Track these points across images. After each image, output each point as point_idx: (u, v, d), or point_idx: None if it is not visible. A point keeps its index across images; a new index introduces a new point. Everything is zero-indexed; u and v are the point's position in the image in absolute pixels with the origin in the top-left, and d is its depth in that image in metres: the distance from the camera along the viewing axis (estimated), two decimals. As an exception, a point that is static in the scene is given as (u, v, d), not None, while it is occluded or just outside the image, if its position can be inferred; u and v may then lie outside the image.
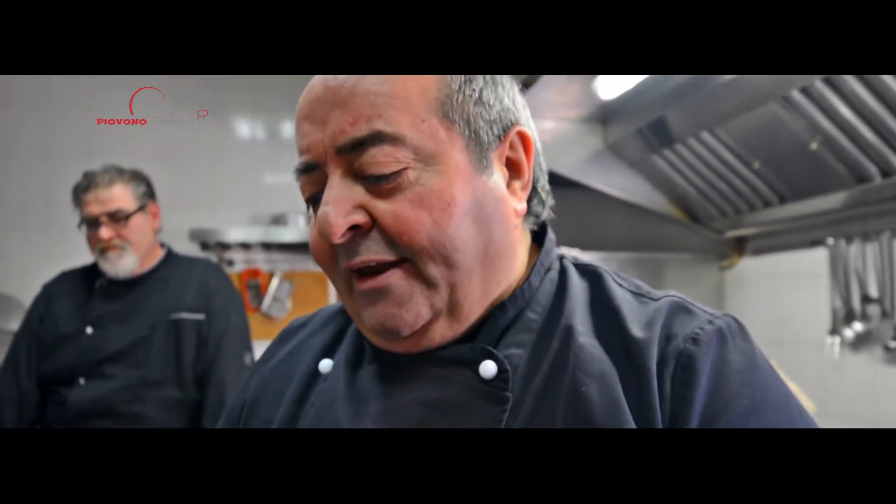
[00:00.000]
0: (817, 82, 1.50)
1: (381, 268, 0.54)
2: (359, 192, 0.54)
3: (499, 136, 0.57)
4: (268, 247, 2.96)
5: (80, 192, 1.63)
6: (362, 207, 0.53)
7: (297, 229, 2.88)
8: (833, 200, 1.79)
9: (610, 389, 0.52)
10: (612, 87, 1.88)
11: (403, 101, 0.53)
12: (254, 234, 2.84)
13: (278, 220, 2.92)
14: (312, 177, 0.56)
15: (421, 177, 0.53)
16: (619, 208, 2.39)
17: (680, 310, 0.56)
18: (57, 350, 1.65)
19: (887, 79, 1.40)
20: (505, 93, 0.59)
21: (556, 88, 1.91)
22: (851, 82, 1.45)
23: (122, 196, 1.63)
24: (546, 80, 1.78)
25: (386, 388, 0.58)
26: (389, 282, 0.54)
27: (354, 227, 0.53)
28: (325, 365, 0.64)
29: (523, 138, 0.59)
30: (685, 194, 2.21)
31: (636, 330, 0.55)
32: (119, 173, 1.65)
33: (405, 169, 0.53)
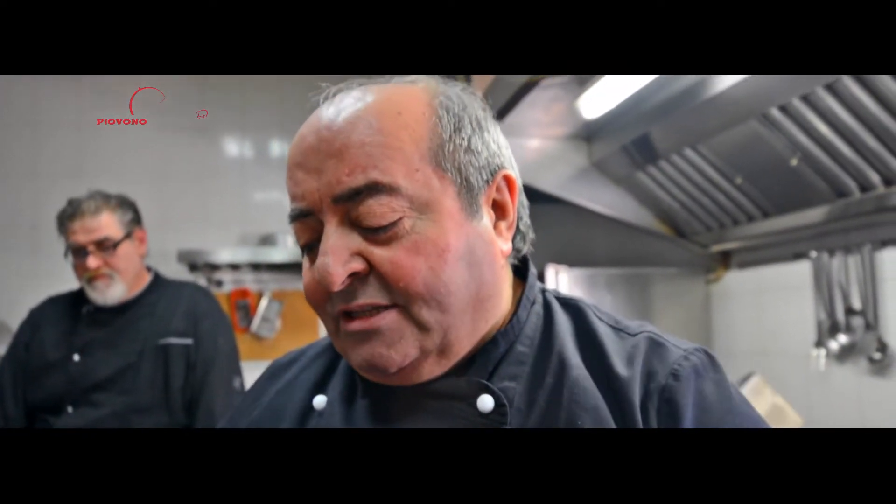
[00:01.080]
0: (794, 100, 1.53)
1: (374, 311, 0.55)
2: (356, 240, 0.55)
3: (487, 181, 0.59)
4: (257, 267, 2.95)
5: (66, 219, 1.61)
6: (359, 255, 0.55)
7: (285, 249, 2.88)
8: (814, 214, 1.81)
9: (604, 423, 0.55)
10: (595, 105, 1.90)
11: (398, 151, 0.55)
12: (242, 255, 2.83)
13: (267, 241, 2.92)
14: (307, 223, 0.57)
15: (416, 225, 0.54)
16: (606, 224, 2.42)
17: (656, 346, 0.59)
18: (44, 377, 1.63)
19: (862, 96, 1.43)
20: (491, 138, 0.61)
21: (542, 107, 1.93)
22: (828, 99, 1.48)
23: (109, 224, 1.61)
24: (531, 99, 1.81)
25: (383, 423, 0.59)
26: (381, 324, 0.55)
27: (352, 275, 0.54)
28: (320, 401, 0.64)
29: (508, 181, 0.61)
30: (670, 210, 2.23)
31: (620, 367, 0.57)
32: (105, 200, 1.64)
33: (401, 218, 0.54)
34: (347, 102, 0.57)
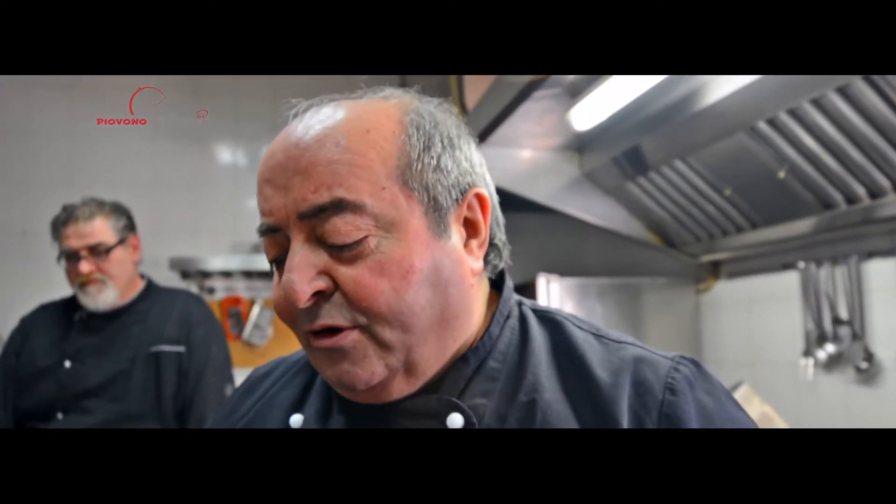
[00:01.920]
0: (781, 114, 1.55)
1: (337, 330, 0.55)
2: (321, 258, 0.55)
3: (457, 200, 0.59)
4: (248, 275, 2.95)
5: (60, 225, 1.62)
6: (325, 273, 0.55)
7: (278, 257, 2.88)
8: (802, 226, 1.84)
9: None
10: (587, 117, 1.93)
11: (364, 169, 0.54)
12: (234, 263, 2.83)
13: (259, 248, 2.92)
14: (275, 239, 0.57)
15: (381, 244, 0.54)
16: (597, 234, 2.43)
17: (642, 359, 0.59)
18: (34, 384, 1.62)
19: (847, 110, 1.46)
20: (462, 155, 0.60)
21: (534, 118, 1.95)
22: (813, 114, 1.51)
23: (102, 230, 1.62)
24: (523, 110, 1.83)
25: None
26: (343, 343, 0.55)
27: (318, 293, 0.55)
28: (296, 420, 0.64)
29: (480, 199, 0.60)
30: (661, 220, 2.26)
31: (603, 376, 0.57)
32: (99, 206, 1.64)
33: (366, 237, 0.54)
34: (316, 119, 0.57)
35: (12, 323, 1.79)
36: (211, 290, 2.94)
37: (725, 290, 2.35)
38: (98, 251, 1.61)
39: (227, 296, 2.95)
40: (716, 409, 0.57)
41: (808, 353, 1.95)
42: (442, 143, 0.59)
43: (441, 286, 0.56)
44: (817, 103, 1.48)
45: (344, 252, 0.54)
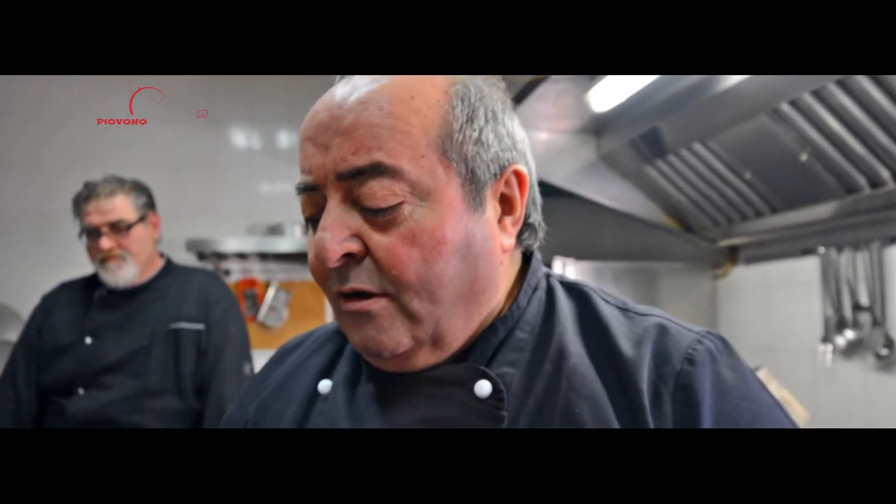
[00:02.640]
0: (805, 95, 1.53)
1: (366, 295, 0.55)
2: (355, 220, 0.55)
3: (495, 175, 0.58)
4: (264, 257, 2.96)
5: (81, 201, 1.63)
6: (357, 236, 0.55)
7: (293, 239, 2.89)
8: (823, 210, 1.81)
9: (601, 410, 0.54)
10: (605, 99, 1.91)
11: (405, 135, 0.54)
12: (250, 244, 2.85)
13: (275, 230, 2.93)
14: (312, 197, 0.58)
15: (415, 212, 0.54)
16: (613, 218, 2.42)
17: (667, 330, 0.58)
18: (56, 360, 1.64)
19: (874, 91, 1.43)
20: (505, 130, 0.60)
21: (550, 100, 1.94)
22: (839, 95, 1.48)
23: (123, 206, 1.63)
24: (540, 92, 1.81)
25: (384, 407, 0.60)
26: (371, 308, 0.55)
27: (348, 255, 0.55)
28: (325, 385, 0.65)
29: (519, 176, 0.60)
30: (678, 204, 2.23)
31: (626, 347, 0.57)
32: (120, 184, 1.66)
33: (401, 203, 0.54)
34: (362, 82, 0.57)
35: (32, 303, 1.81)
36: (227, 272, 2.96)
37: (743, 276, 2.33)
38: (119, 228, 1.63)
39: (242, 278, 2.97)
40: (735, 386, 0.56)
41: (826, 339, 1.93)
42: (485, 116, 0.58)
43: (471, 259, 0.56)
44: (843, 84, 1.46)
45: (378, 217, 0.54)
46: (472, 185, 0.57)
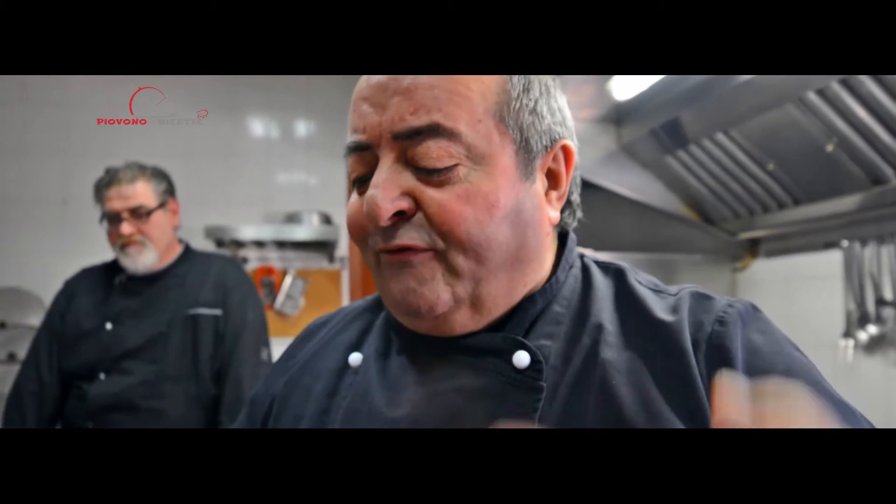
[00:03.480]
0: (833, 84, 1.50)
1: (411, 251, 0.56)
2: (407, 179, 0.55)
3: (546, 147, 0.60)
4: (281, 245, 2.98)
5: (103, 187, 1.65)
6: (409, 194, 0.55)
7: (310, 227, 2.90)
8: (848, 202, 1.78)
9: (638, 383, 0.54)
10: (626, 87, 1.88)
11: (464, 99, 0.55)
12: (267, 232, 2.86)
13: (292, 219, 2.94)
14: (363, 157, 0.58)
15: (470, 174, 0.55)
16: (632, 208, 2.39)
17: (700, 297, 0.59)
18: (78, 346, 1.67)
19: (904, 81, 1.40)
20: (556, 105, 0.61)
21: (571, 89, 1.92)
22: (868, 84, 1.45)
23: (143, 192, 1.65)
24: (561, 81, 1.79)
25: (420, 377, 0.60)
26: (415, 258, 0.55)
27: (399, 213, 0.55)
28: (355, 358, 0.65)
29: (566, 152, 0.61)
30: (698, 195, 2.21)
31: (663, 315, 0.57)
32: (141, 170, 1.67)
33: (457, 165, 0.54)
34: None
35: (52, 288, 1.84)
36: (244, 260, 2.97)
37: (764, 269, 2.30)
38: (139, 213, 1.64)
39: (259, 265, 2.99)
40: (766, 343, 0.56)
41: (848, 334, 1.90)
42: (540, 88, 0.59)
43: (521, 227, 0.57)
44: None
45: (433, 177, 0.55)
46: (526, 153, 0.58)
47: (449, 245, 0.55)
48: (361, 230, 0.58)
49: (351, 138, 0.59)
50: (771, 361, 0.55)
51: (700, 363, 0.54)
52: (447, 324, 0.58)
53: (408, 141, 0.55)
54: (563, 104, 0.63)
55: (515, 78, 0.58)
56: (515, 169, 0.57)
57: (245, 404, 0.76)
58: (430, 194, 0.55)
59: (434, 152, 0.54)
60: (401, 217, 0.55)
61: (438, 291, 0.56)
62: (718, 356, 0.54)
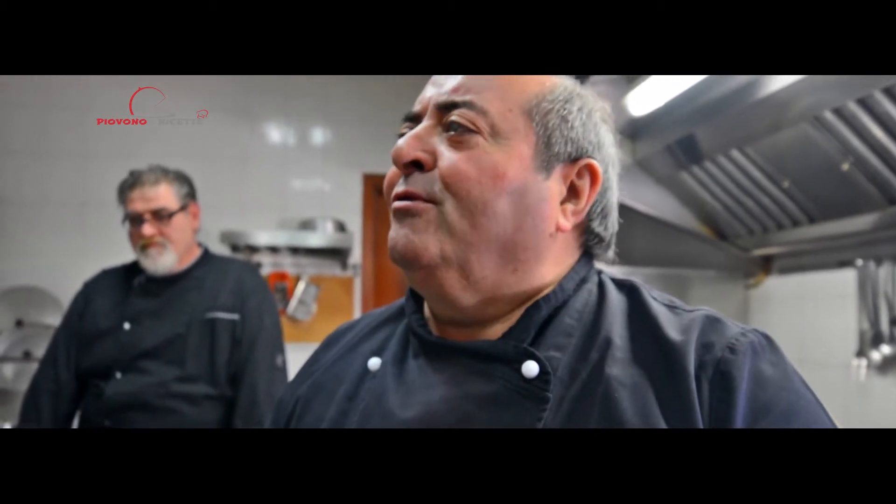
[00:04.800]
0: (850, 103, 1.50)
1: (415, 199, 0.61)
2: (435, 140, 0.62)
3: (570, 156, 0.63)
4: (295, 251, 3.00)
5: (126, 189, 1.67)
6: (431, 152, 0.61)
7: (324, 234, 2.93)
8: (863, 222, 1.78)
9: (642, 398, 0.55)
10: (642, 103, 1.90)
11: (501, 89, 0.62)
12: (282, 238, 2.89)
13: (306, 225, 2.97)
14: (412, 127, 0.64)
15: (488, 146, 0.60)
16: (646, 223, 2.40)
17: (714, 321, 0.59)
18: (96, 345, 1.68)
19: (922, 102, 1.40)
20: (594, 131, 0.65)
21: (607, 104, 1.93)
22: (885, 103, 1.45)
23: (166, 195, 1.67)
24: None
25: (431, 380, 0.62)
26: (413, 207, 0.60)
27: (418, 165, 0.61)
28: (374, 363, 0.67)
29: (592, 171, 0.64)
30: (713, 211, 2.21)
31: (673, 334, 0.58)
32: (164, 173, 1.70)
33: (478, 134, 0.60)
34: None
35: (70, 289, 1.86)
36: (258, 265, 3.00)
37: (777, 286, 2.30)
38: (161, 215, 1.66)
39: (273, 271, 3.01)
40: (774, 377, 0.56)
41: (861, 353, 1.90)
42: (580, 107, 0.64)
43: (520, 210, 0.60)
44: (889, 92, 1.43)
45: (454, 134, 0.61)
46: (546, 150, 0.62)
47: (448, 199, 0.59)
48: (389, 188, 0.64)
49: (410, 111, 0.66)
50: (776, 396, 0.55)
51: (703, 387, 0.55)
52: (436, 280, 0.61)
53: (446, 112, 0.62)
54: (608, 139, 0.66)
55: (559, 90, 0.63)
56: (531, 158, 0.61)
57: (259, 408, 0.78)
58: (447, 154, 0.61)
59: (463, 115, 0.61)
60: (418, 169, 0.61)
61: (428, 243, 0.60)
62: (723, 383, 0.54)
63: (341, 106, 3.13)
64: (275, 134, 3.13)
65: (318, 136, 3.14)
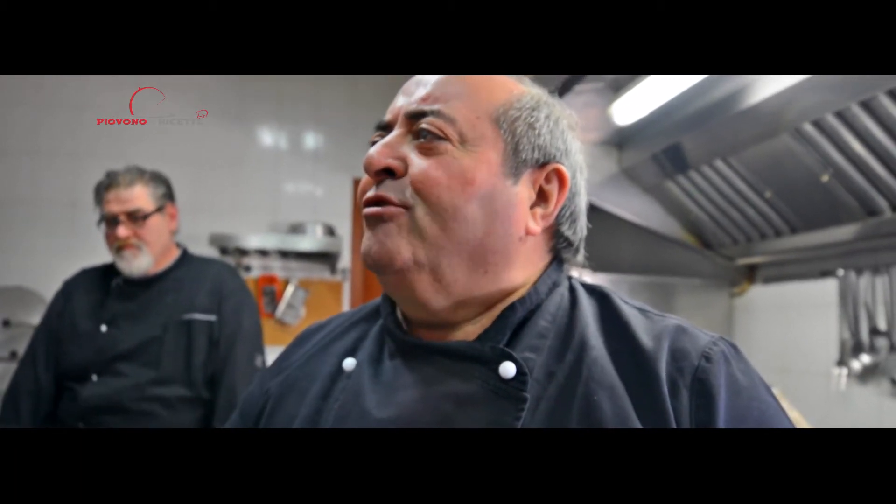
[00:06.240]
0: (829, 116, 1.52)
1: (387, 205, 0.62)
2: (405, 148, 0.63)
3: (538, 161, 0.65)
4: (285, 255, 3.01)
5: (102, 190, 1.66)
6: (401, 159, 0.63)
7: (314, 239, 2.93)
8: (844, 232, 1.80)
9: (619, 400, 0.57)
10: (628, 112, 1.91)
11: (469, 99, 0.64)
12: (271, 242, 2.90)
13: (296, 229, 2.97)
14: (383, 136, 0.66)
15: (456, 152, 0.62)
16: (632, 232, 2.41)
17: (683, 330, 0.61)
18: (73, 346, 1.67)
19: (898, 114, 1.42)
20: (560, 138, 0.67)
21: (574, 112, 1.94)
22: (862, 116, 1.47)
23: (141, 196, 1.65)
24: (564, 103, 1.82)
25: (409, 380, 0.63)
26: (384, 212, 0.62)
27: (389, 172, 0.62)
28: (349, 363, 0.68)
29: (560, 176, 0.65)
30: (698, 220, 2.23)
31: (646, 340, 0.60)
32: (140, 174, 1.68)
33: (447, 141, 0.62)
34: None
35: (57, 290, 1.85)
36: (248, 268, 3.01)
37: (760, 295, 2.31)
38: (136, 217, 1.65)
39: (262, 274, 3.01)
40: (746, 387, 0.58)
41: (842, 362, 1.91)
42: (547, 115, 0.66)
43: (489, 214, 0.62)
44: (866, 106, 1.45)
45: (423, 141, 0.62)
46: (514, 156, 0.63)
47: (419, 204, 0.61)
48: (363, 195, 0.65)
49: (381, 120, 0.67)
50: (748, 406, 0.57)
51: (681, 394, 0.56)
52: (408, 283, 0.62)
53: (415, 120, 0.63)
54: (574, 147, 0.68)
55: (526, 98, 0.65)
56: (500, 165, 0.62)
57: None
58: (417, 162, 0.62)
59: (431, 124, 0.62)
60: (390, 176, 0.62)
61: (400, 247, 0.61)
62: (702, 390, 0.56)
63: (333, 111, 3.14)
64: (267, 138, 3.14)
65: (310, 141, 3.15)
